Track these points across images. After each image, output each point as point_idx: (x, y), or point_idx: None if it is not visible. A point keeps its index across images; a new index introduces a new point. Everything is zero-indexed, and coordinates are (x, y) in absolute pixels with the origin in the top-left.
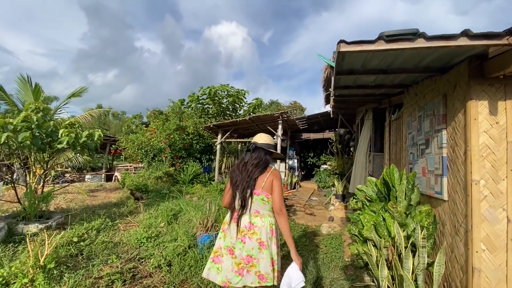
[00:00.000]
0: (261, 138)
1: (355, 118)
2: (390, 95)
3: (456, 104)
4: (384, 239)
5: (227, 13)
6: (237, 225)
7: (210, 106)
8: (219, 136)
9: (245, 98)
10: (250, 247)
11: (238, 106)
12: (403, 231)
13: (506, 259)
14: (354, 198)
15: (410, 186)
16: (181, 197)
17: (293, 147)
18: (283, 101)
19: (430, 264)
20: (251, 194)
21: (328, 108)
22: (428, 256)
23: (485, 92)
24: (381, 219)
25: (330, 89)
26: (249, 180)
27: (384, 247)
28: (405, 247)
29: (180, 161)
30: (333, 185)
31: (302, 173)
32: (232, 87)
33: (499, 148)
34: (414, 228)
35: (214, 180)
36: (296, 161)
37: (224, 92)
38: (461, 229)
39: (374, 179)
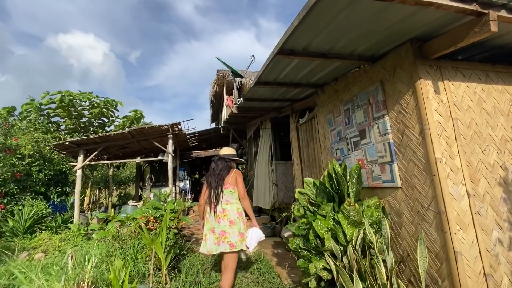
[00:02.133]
0: (222, 151)
1: (246, 134)
2: (293, 101)
3: (398, 87)
4: (342, 246)
5: (82, 22)
6: (215, 212)
7: (63, 120)
8: (80, 159)
9: (118, 111)
10: (223, 225)
11: (107, 121)
12: (358, 230)
13: (476, 234)
14: (295, 204)
15: (354, 181)
16: (12, 257)
17: (183, 167)
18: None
19: (399, 263)
20: (221, 190)
21: (214, 127)
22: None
23: (428, 73)
24: (336, 223)
25: (227, 98)
26: (218, 181)
27: (344, 256)
28: (372, 249)
29: (6, 200)
30: None
31: (192, 196)
32: (97, 96)
33: (448, 125)
34: (372, 224)
35: (72, 222)
36: (188, 182)
37: (86, 101)
38: (429, 213)
39: (311, 179)
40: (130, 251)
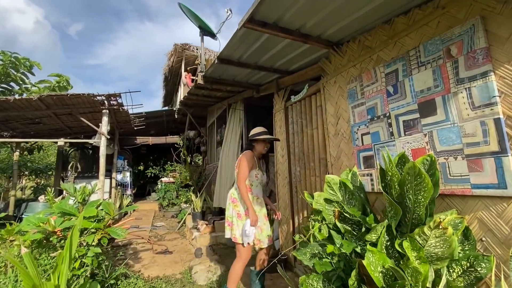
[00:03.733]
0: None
1: (206, 121)
2: (282, 73)
3: None
4: None
5: None
6: None
7: None
8: None
9: (34, 75)
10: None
11: (18, 87)
12: (437, 271)
13: None
14: (312, 219)
15: (427, 181)
16: None
17: (123, 155)
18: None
19: None
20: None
21: (166, 109)
22: None
23: None
24: (394, 256)
25: (185, 75)
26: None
27: None
28: None
29: None
30: (187, 201)
31: (133, 191)
32: (2, 51)
33: None
34: (454, 261)
35: None
36: (128, 174)
37: None
38: None
39: (336, 177)
40: None
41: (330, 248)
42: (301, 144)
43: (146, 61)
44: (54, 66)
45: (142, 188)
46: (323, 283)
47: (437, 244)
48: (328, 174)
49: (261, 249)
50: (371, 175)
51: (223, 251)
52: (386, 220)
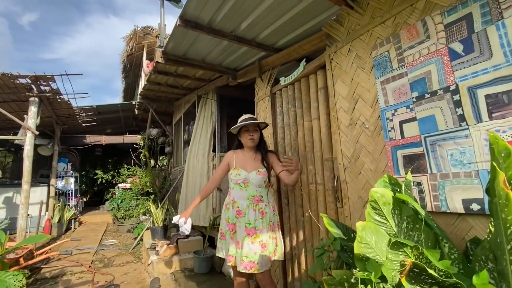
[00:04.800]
0: None
1: (171, 119)
2: (268, 50)
3: None
4: None
5: None
6: None
7: None
8: None
9: None
10: None
11: None
12: None
13: None
14: (357, 275)
15: None
16: None
17: (67, 158)
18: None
19: None
20: None
21: (123, 102)
22: None
23: None
24: None
25: (147, 64)
26: None
27: None
28: None
29: None
30: (146, 213)
31: (85, 199)
32: None
33: None
34: None
35: None
36: (72, 181)
37: None
38: None
39: (387, 192)
40: None
41: None
42: (294, 140)
43: (110, 57)
44: (1, 59)
45: (99, 195)
46: None
47: None
48: (338, 181)
49: (240, 273)
50: (419, 184)
51: (188, 281)
52: None
